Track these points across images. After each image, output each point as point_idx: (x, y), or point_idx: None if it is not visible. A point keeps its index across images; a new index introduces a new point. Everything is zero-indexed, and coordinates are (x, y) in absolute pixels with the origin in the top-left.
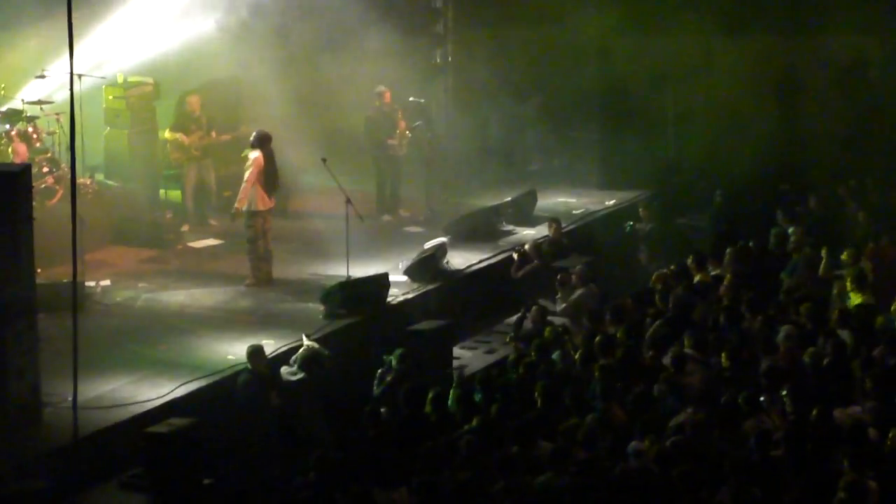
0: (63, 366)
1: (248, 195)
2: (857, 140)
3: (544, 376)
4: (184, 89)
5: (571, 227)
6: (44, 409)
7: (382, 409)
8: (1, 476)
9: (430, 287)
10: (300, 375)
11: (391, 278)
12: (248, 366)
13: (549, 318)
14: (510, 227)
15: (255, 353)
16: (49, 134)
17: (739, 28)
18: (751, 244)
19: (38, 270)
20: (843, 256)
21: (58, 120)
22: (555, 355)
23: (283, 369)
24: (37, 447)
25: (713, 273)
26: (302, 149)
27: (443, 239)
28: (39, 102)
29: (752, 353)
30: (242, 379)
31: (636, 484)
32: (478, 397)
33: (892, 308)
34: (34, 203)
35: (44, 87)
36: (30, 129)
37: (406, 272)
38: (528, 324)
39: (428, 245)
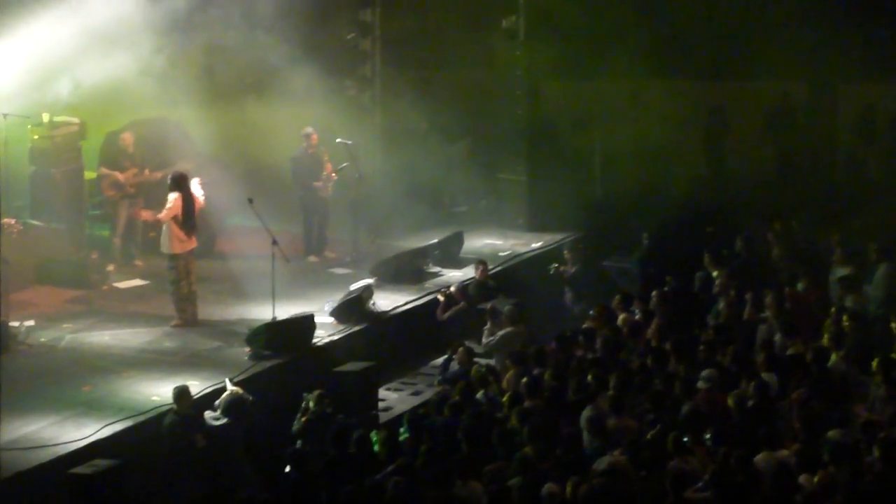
0: None
1: (165, 238)
2: (783, 182)
3: (470, 418)
4: (110, 129)
5: (498, 268)
6: None
7: (298, 443)
8: None
9: (356, 328)
10: (223, 420)
11: (317, 320)
12: (174, 407)
13: (476, 358)
14: (437, 269)
15: (182, 394)
16: None
17: (667, 71)
18: (677, 286)
19: None
20: (767, 300)
21: None
22: (479, 394)
23: (207, 413)
24: None
25: (637, 317)
26: (228, 189)
27: (369, 280)
28: None
29: (675, 396)
30: (168, 420)
31: None
32: (402, 438)
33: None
34: None
35: None
36: None
37: (332, 314)
38: (454, 365)
39: (354, 286)
